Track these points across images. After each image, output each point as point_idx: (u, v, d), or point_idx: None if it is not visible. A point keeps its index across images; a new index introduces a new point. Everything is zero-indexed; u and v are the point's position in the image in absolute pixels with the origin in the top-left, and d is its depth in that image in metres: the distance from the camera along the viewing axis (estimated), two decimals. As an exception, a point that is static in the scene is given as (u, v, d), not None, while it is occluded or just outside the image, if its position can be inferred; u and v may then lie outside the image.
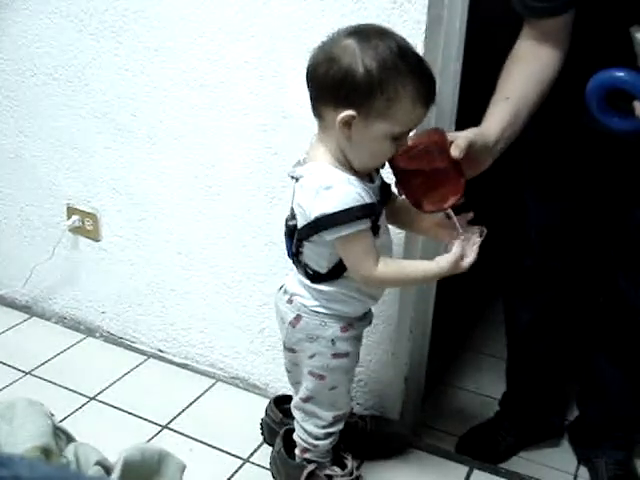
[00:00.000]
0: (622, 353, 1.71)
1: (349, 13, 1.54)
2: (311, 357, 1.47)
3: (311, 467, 1.59)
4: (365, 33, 1.24)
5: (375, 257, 1.32)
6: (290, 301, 1.46)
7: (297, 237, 1.38)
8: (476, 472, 1.77)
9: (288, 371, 1.58)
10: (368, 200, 1.30)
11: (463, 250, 1.30)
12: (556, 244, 1.65)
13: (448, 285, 1.82)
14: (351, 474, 1.62)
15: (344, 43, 1.23)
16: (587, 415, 1.88)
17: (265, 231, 1.83)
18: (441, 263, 1.31)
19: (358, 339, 1.51)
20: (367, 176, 1.36)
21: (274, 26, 1.64)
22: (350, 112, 1.23)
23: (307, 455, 1.60)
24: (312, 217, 1.30)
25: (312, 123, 1.64)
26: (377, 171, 1.40)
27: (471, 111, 1.44)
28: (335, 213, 1.27)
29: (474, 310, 2.47)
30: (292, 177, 1.38)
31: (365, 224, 1.29)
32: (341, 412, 1.56)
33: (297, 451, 1.62)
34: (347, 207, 1.26)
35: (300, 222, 1.36)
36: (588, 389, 1.85)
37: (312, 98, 1.31)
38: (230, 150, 1.81)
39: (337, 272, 1.38)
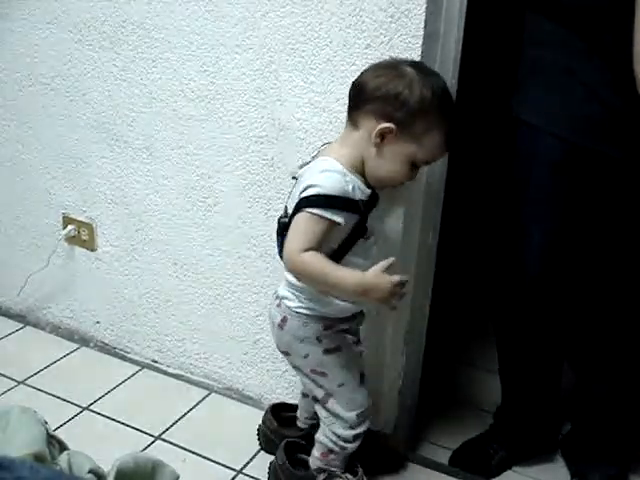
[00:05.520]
0: (614, 368, 1.71)
1: (346, 27, 1.55)
2: (305, 357, 1.51)
3: (322, 476, 1.61)
4: (423, 68, 1.40)
5: (311, 245, 1.36)
6: (279, 305, 1.52)
7: (288, 225, 1.42)
8: (469, 485, 1.78)
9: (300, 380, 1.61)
10: (354, 196, 1.38)
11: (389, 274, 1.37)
12: (554, 260, 1.64)
13: (443, 297, 1.83)
14: None
15: (405, 69, 1.36)
16: (580, 430, 1.88)
17: (261, 242, 1.83)
18: (366, 275, 1.38)
19: (348, 332, 1.54)
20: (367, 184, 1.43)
21: (272, 38, 1.65)
22: (391, 125, 1.34)
23: (330, 457, 1.60)
24: (298, 194, 1.38)
25: (308, 135, 1.66)
26: None
27: (467, 124, 1.45)
28: (320, 194, 1.35)
29: (469, 323, 2.47)
30: (294, 177, 1.47)
31: (338, 218, 1.35)
32: (363, 409, 1.57)
33: (317, 453, 1.61)
34: (331, 194, 1.35)
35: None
36: (581, 404, 1.85)
37: (353, 106, 1.41)
38: (226, 161, 1.81)
39: None
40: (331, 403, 1.55)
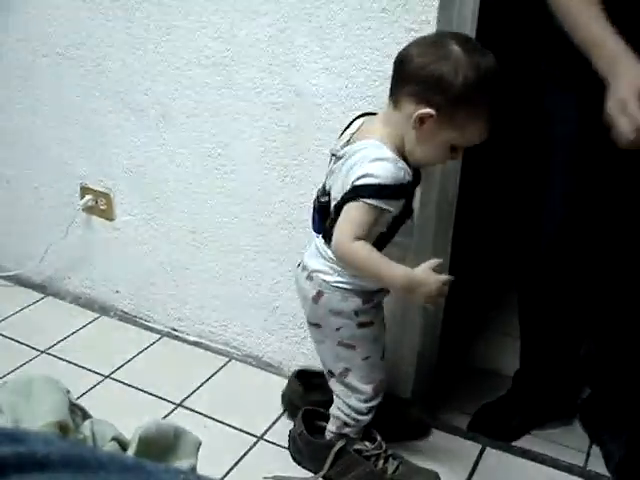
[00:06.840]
0: (636, 334, 1.70)
1: (361, -10, 1.53)
2: (338, 329, 1.50)
3: (340, 444, 1.61)
4: (471, 47, 1.31)
5: (361, 234, 1.36)
6: (310, 278, 1.49)
7: (337, 209, 1.40)
8: (489, 450, 1.78)
9: (319, 352, 1.59)
10: (405, 181, 1.36)
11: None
12: (577, 213, 1.61)
13: (462, 262, 1.82)
14: (381, 447, 1.63)
15: (451, 49, 1.29)
16: (598, 394, 1.87)
17: (278, 209, 1.83)
18: (414, 271, 1.36)
19: (379, 307, 1.54)
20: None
21: (287, 4, 1.63)
22: (431, 111, 1.30)
23: (346, 430, 1.61)
24: (351, 181, 1.35)
25: (324, 101, 1.64)
26: None
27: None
28: (375, 184, 1.32)
29: (487, 287, 2.47)
30: (333, 155, 1.44)
31: (391, 206, 1.35)
32: (378, 382, 1.57)
33: (332, 427, 1.62)
34: (386, 183, 1.32)
35: (341, 195, 1.39)
36: (601, 369, 1.84)
37: (395, 84, 1.36)
38: (243, 128, 1.81)
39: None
40: (350, 377, 1.55)
